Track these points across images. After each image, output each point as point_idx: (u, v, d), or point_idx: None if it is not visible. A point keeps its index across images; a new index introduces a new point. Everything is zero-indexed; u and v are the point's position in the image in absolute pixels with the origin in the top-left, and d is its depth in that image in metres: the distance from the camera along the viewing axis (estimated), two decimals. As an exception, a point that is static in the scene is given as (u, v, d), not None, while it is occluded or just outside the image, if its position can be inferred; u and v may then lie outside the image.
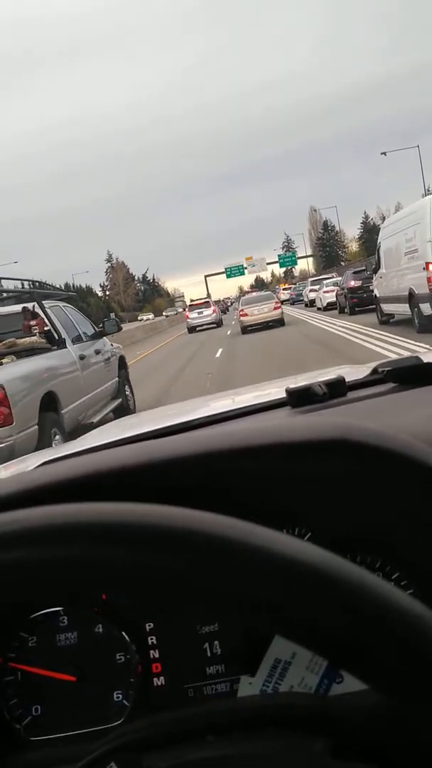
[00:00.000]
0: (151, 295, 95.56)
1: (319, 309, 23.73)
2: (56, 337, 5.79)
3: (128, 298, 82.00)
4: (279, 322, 20.22)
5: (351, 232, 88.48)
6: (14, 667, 0.60)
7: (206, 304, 32.84)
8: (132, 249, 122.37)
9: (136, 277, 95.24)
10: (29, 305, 5.82)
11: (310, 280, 29.42)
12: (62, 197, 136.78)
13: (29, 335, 5.58)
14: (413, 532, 0.43)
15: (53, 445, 4.76)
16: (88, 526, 0.28)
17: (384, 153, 35.37)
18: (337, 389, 0.82)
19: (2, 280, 5.66)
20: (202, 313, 31.54)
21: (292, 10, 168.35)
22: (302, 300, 34.95)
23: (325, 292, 23.04)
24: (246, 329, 20.62)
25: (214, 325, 30.47)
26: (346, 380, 0.85)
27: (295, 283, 51.49)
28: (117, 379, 7.28)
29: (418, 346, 8.37)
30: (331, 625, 0.27)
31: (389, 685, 0.27)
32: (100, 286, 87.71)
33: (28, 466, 0.95)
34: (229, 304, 67.17)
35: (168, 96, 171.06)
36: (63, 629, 0.61)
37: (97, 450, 0.83)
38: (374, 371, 0.94)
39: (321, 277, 31.65)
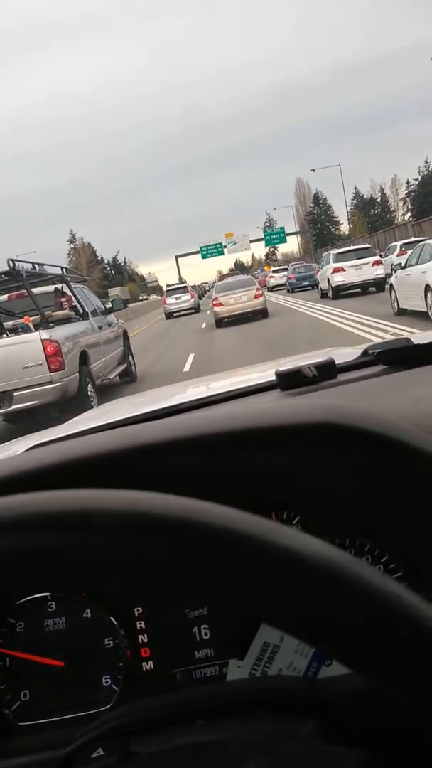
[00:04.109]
0: (120, 280, 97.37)
1: (399, 314, 11.41)
2: (81, 311, 8.30)
3: (92, 284, 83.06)
4: (261, 313, 18.16)
5: (340, 210, 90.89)
6: (2, 653, 0.66)
7: (184, 289, 34.90)
8: (103, 233, 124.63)
9: (106, 261, 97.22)
10: (59, 286, 8.32)
11: (334, 253, 19.93)
12: (27, 179, 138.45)
13: (61, 309, 8.06)
14: (401, 514, 0.46)
15: (88, 391, 7.28)
16: (72, 514, 0.30)
17: None
18: (327, 371, 0.89)
19: (44, 266, 8.11)
20: (180, 298, 33.67)
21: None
22: (307, 285, 28.79)
23: None
24: (221, 321, 18.45)
25: (193, 311, 32.73)
26: (336, 362, 0.92)
27: (285, 267, 41.16)
28: (123, 347, 9.84)
29: None
30: (309, 609, 0.28)
31: (371, 670, 0.29)
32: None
33: (16, 450, 1.01)
34: (207, 288, 67.54)
35: (142, 77, 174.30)
36: (51, 614, 0.66)
37: (84, 434, 0.89)
38: (364, 353, 1.01)
39: (358, 246, 21.43)
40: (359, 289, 18.46)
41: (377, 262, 18.49)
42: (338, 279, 18.59)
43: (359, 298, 17.38)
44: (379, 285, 17.88)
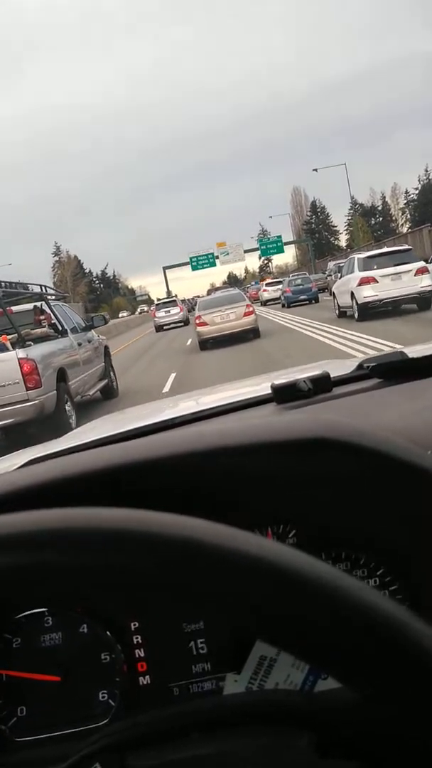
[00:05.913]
0: (108, 294, 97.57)
1: None
2: (60, 328, 8.65)
3: (78, 297, 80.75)
4: (252, 332, 16.06)
5: (338, 220, 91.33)
6: None
7: (173, 303, 36.65)
8: (91, 245, 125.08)
9: (94, 274, 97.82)
10: (38, 304, 8.68)
11: (361, 257, 14.90)
12: (11, 189, 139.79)
13: (40, 327, 8.40)
14: (395, 527, 0.48)
15: (66, 408, 7.59)
16: (66, 532, 0.31)
17: None
18: (323, 385, 0.92)
19: (23, 285, 8.46)
20: (169, 311, 35.36)
21: (268, 3, 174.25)
22: (304, 299, 27.30)
23: None
24: (206, 343, 16.15)
25: (182, 324, 33.86)
26: (331, 376, 0.95)
27: (281, 280, 38.02)
28: (103, 363, 10.19)
29: None
30: (295, 623, 0.29)
31: (357, 683, 0.30)
32: (41, 287, 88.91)
33: (12, 465, 1.04)
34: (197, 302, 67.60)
35: (132, 88, 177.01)
36: (47, 630, 0.68)
37: (80, 449, 0.94)
38: (359, 367, 1.05)
39: (394, 249, 15.56)
40: (390, 307, 13.92)
41: (422, 270, 13.72)
42: (368, 293, 13.60)
43: (397, 318, 13.20)
44: (425, 301, 13.69)
